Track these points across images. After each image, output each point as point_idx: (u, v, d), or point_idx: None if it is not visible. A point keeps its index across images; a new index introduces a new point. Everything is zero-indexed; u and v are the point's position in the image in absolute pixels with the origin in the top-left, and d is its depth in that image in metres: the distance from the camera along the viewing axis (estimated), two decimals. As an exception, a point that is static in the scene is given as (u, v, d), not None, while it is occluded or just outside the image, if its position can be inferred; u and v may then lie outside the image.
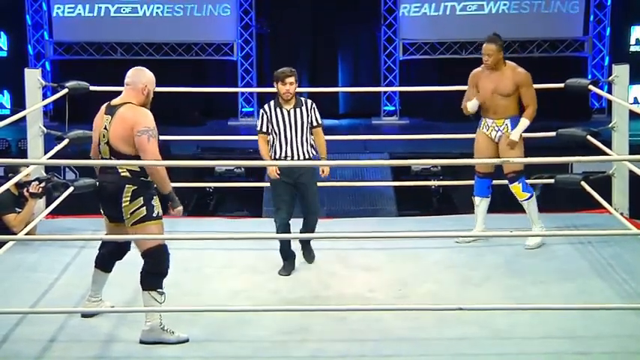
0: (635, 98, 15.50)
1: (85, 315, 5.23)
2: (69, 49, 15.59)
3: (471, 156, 6.97)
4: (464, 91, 6.84)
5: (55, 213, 7.21)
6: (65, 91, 7.31)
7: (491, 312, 5.21)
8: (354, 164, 10.48)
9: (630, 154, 7.37)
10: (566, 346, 4.91)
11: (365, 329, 5.10)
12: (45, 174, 6.70)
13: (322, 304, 5.58)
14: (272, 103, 6.27)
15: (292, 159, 6.23)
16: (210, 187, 11.76)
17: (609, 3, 15.52)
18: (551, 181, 7.27)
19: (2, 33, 15.75)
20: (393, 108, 15.87)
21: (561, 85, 7.36)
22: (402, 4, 15.51)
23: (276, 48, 15.82)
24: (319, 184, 6.73)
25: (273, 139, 6.25)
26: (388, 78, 15.74)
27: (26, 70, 7.52)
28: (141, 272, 4.97)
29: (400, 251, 6.51)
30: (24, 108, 7.22)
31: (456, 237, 6.74)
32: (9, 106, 15.61)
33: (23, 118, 7.05)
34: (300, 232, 6.33)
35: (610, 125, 7.41)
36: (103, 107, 5.05)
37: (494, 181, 6.88)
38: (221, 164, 11.31)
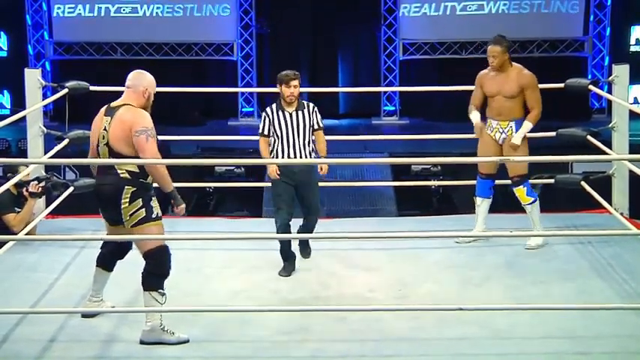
0: (635, 98, 15.50)
1: (85, 315, 5.23)
2: (69, 49, 15.60)
3: (470, 156, 6.98)
4: (464, 91, 6.84)
5: (55, 213, 7.21)
6: (65, 91, 7.31)
7: (491, 312, 5.21)
8: (353, 162, 10.47)
9: (630, 153, 7.37)
10: (566, 346, 4.91)
11: (365, 329, 5.10)
12: (44, 174, 6.70)
13: (322, 304, 5.58)
14: (274, 106, 6.28)
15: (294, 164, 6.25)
16: (210, 187, 11.76)
17: (609, 3, 15.53)
18: (551, 181, 7.27)
19: (2, 33, 15.75)
20: (393, 108, 15.87)
21: (561, 85, 7.36)
22: (402, 4, 15.52)
23: (276, 48, 15.83)
24: (320, 183, 6.73)
25: (275, 141, 6.26)
26: (388, 78, 15.74)
27: (26, 70, 7.52)
28: (142, 273, 4.97)
29: (400, 251, 6.51)
30: (24, 108, 7.22)
31: (456, 237, 6.74)
32: (9, 106, 15.62)
33: (23, 118, 7.05)
34: (299, 232, 6.33)
35: (610, 125, 7.41)
36: (103, 109, 5.06)
37: (496, 181, 6.87)
38: (221, 164, 11.32)
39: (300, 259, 6.37)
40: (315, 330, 5.11)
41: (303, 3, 15.76)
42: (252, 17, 15.61)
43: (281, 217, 6.18)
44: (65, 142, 7.18)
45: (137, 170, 4.92)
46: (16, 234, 6.43)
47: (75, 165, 10.47)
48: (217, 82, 15.33)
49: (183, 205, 5.08)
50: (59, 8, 15.38)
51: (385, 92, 15.66)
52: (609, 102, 11.41)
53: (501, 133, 6.64)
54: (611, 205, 7.08)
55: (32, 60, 15.50)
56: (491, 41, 6.61)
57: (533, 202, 6.65)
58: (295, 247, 6.34)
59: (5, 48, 15.81)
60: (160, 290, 4.95)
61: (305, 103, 6.32)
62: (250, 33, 15.68)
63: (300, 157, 6.23)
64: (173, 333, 4.94)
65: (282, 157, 6.22)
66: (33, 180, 6.55)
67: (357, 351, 4.88)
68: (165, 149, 11.86)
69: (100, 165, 5.00)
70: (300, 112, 6.24)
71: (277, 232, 6.19)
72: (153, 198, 4.99)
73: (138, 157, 4.89)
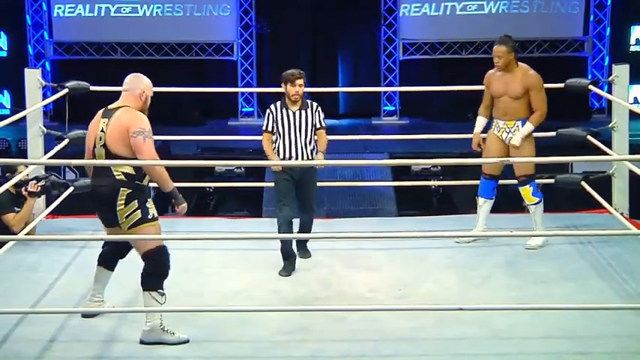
0: (635, 98, 15.50)
1: (85, 315, 5.23)
2: (69, 49, 15.60)
3: (470, 156, 6.97)
4: (464, 91, 6.84)
5: (55, 213, 7.21)
6: (65, 91, 7.31)
7: (491, 312, 5.21)
8: (354, 164, 10.49)
9: (630, 154, 7.36)
10: (566, 346, 4.91)
11: (365, 329, 5.10)
12: (44, 173, 6.70)
13: (322, 304, 5.58)
14: (278, 103, 6.33)
15: (295, 160, 6.27)
16: (210, 187, 11.76)
17: (609, 3, 15.53)
18: (551, 181, 7.27)
19: (2, 33, 15.76)
20: (393, 108, 15.87)
21: (561, 85, 7.35)
22: (402, 4, 15.52)
23: (276, 48, 15.83)
24: (320, 183, 6.76)
25: (277, 139, 6.31)
26: (388, 78, 15.74)
27: (26, 70, 7.52)
28: (142, 273, 4.97)
29: (400, 251, 6.51)
30: (24, 108, 7.22)
31: (456, 237, 6.73)
32: (9, 106, 15.62)
33: (23, 118, 7.05)
34: (299, 228, 6.39)
35: (610, 125, 7.40)
36: (100, 112, 5.08)
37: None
38: (221, 164, 11.31)
39: (300, 259, 6.37)
40: (315, 330, 5.11)
41: (303, 3, 15.76)
42: (252, 17, 15.61)
43: (283, 213, 6.22)
44: (65, 142, 7.19)
45: (133, 172, 4.92)
46: (15, 234, 6.43)
47: (75, 165, 10.46)
48: (217, 82, 15.33)
49: (185, 204, 5.08)
50: (59, 8, 15.39)
51: (385, 92, 15.66)
52: (609, 102, 11.41)
53: (508, 133, 6.63)
54: (611, 205, 7.08)
55: (32, 60, 15.50)
56: (497, 41, 6.59)
57: (537, 202, 6.64)
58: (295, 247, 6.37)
59: (5, 48, 15.81)
60: (159, 290, 4.95)
61: (309, 102, 6.36)
62: (250, 33, 15.68)
63: (302, 155, 6.27)
64: (173, 333, 4.94)
65: (284, 154, 6.27)
66: (32, 180, 6.55)
67: (357, 351, 4.88)
68: (165, 149, 11.94)
69: (96, 167, 5.00)
70: (303, 111, 6.29)
71: (279, 229, 6.23)
72: (149, 200, 5.00)
73: (135, 159, 4.90)
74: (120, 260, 5.24)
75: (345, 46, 16.24)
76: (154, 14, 15.52)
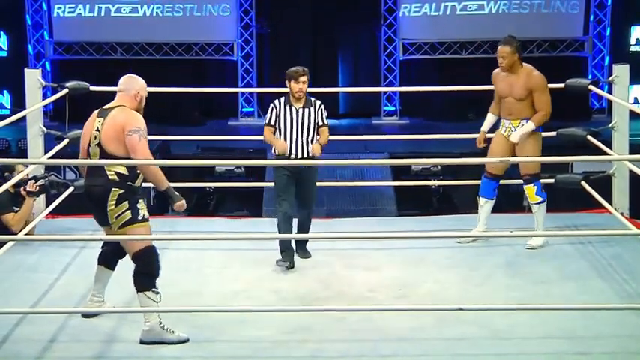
0: (635, 98, 15.51)
1: (85, 315, 5.23)
2: (69, 49, 15.60)
3: (471, 156, 6.97)
4: (464, 92, 6.84)
5: (55, 213, 7.21)
6: (65, 91, 7.32)
7: (491, 312, 5.20)
8: (354, 164, 10.49)
9: (630, 154, 7.37)
10: (566, 346, 4.91)
11: (365, 329, 5.10)
12: (42, 173, 6.70)
13: (322, 304, 5.58)
14: (282, 99, 6.38)
15: (296, 157, 6.32)
16: (210, 187, 11.76)
17: (609, 3, 15.53)
18: (551, 181, 7.27)
19: (2, 33, 15.76)
20: (393, 108, 15.88)
21: (561, 85, 7.35)
22: (403, 4, 15.53)
23: (276, 48, 15.83)
24: (319, 183, 6.77)
25: (279, 134, 6.35)
26: (388, 78, 15.75)
27: (26, 70, 7.53)
28: (133, 275, 4.98)
29: (400, 251, 6.51)
30: (24, 108, 7.22)
31: (456, 237, 6.73)
32: (9, 106, 15.62)
33: (23, 118, 7.06)
34: (297, 228, 6.43)
35: (610, 125, 7.40)
36: (95, 112, 5.10)
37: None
38: (221, 164, 11.31)
39: (300, 259, 6.38)
40: (315, 330, 5.11)
41: (303, 3, 15.76)
42: (253, 17, 15.61)
43: (282, 208, 6.29)
44: (65, 142, 7.19)
45: (126, 173, 4.93)
46: (15, 234, 6.43)
47: (74, 165, 10.47)
48: (217, 82, 15.34)
49: (182, 202, 5.06)
50: (59, 8, 15.39)
51: (385, 92, 15.66)
52: (609, 102, 11.41)
53: (513, 132, 6.62)
54: (611, 205, 7.08)
55: (32, 60, 15.51)
56: (501, 42, 6.57)
57: (540, 202, 6.63)
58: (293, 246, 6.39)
59: (5, 48, 15.81)
60: (153, 289, 4.95)
61: (312, 100, 6.42)
62: (250, 33, 15.68)
63: (303, 152, 6.32)
64: (173, 331, 4.94)
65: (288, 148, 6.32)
66: (30, 179, 6.55)
67: (357, 351, 4.88)
68: (165, 149, 11.95)
69: (90, 166, 5.00)
70: (306, 109, 6.35)
71: (278, 224, 6.29)
72: (140, 201, 5.01)
73: (129, 158, 4.90)
74: (120, 260, 5.24)
75: (345, 46, 16.24)
76: (154, 14, 15.52)
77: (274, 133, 6.39)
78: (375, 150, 12.28)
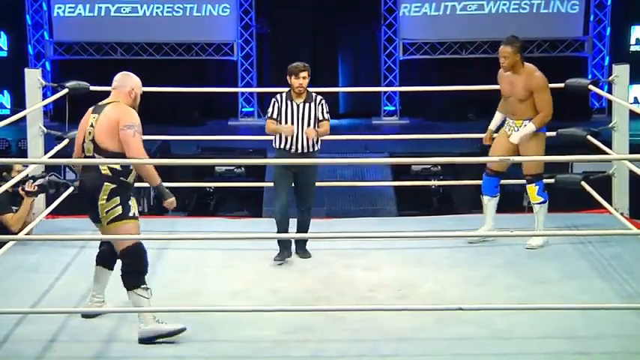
0: (635, 98, 15.50)
1: (85, 315, 5.23)
2: (69, 49, 15.60)
3: (470, 155, 6.97)
4: (464, 91, 6.83)
5: (55, 213, 7.21)
6: (65, 91, 7.31)
7: (491, 312, 5.20)
8: (354, 162, 10.49)
9: (630, 153, 7.36)
10: (566, 346, 4.91)
11: (365, 329, 5.10)
12: (41, 172, 6.70)
13: (322, 304, 5.58)
14: (284, 94, 6.44)
15: (296, 151, 6.37)
16: (210, 187, 11.76)
17: (609, 3, 15.53)
18: (552, 181, 7.26)
19: (2, 33, 15.76)
20: (393, 108, 15.88)
21: (561, 85, 7.34)
22: (403, 4, 15.53)
23: (276, 48, 15.83)
24: (319, 183, 6.77)
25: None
26: (388, 78, 15.75)
27: (26, 70, 7.52)
28: (121, 275, 4.98)
29: (400, 251, 6.51)
30: (24, 108, 7.22)
31: (456, 237, 6.72)
32: (9, 106, 15.62)
33: (23, 118, 7.05)
34: (296, 228, 6.47)
35: (610, 125, 7.40)
36: (90, 108, 5.13)
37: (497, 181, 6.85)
38: (221, 163, 11.32)
39: (300, 259, 6.38)
40: (315, 330, 5.11)
41: (303, 3, 15.75)
42: (253, 17, 15.61)
43: (280, 201, 6.37)
44: (65, 142, 7.18)
45: (119, 168, 4.94)
46: (14, 234, 6.43)
47: (74, 165, 10.46)
48: (217, 82, 15.34)
49: (173, 199, 5.07)
50: (59, 8, 15.39)
51: (385, 92, 15.66)
52: (609, 102, 11.41)
53: (516, 132, 6.61)
54: (611, 205, 7.08)
55: (32, 60, 15.51)
56: (503, 42, 6.56)
57: (542, 202, 6.63)
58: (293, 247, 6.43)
59: (5, 48, 15.81)
60: (142, 286, 4.94)
61: (314, 95, 6.47)
62: (250, 33, 15.68)
63: (303, 147, 6.38)
64: (158, 320, 4.94)
65: (286, 145, 6.39)
66: (28, 179, 6.55)
67: (357, 351, 4.88)
68: (165, 149, 11.95)
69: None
70: (307, 104, 6.40)
71: (276, 215, 6.40)
72: (132, 198, 5.01)
73: (123, 152, 4.91)
74: (118, 260, 5.23)
75: (345, 46, 16.24)
76: (154, 14, 15.52)
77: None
78: (375, 150, 12.28)
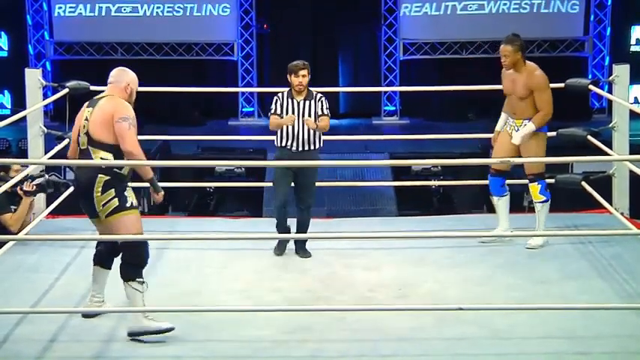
0: (636, 98, 15.51)
1: (85, 315, 5.22)
2: (69, 49, 15.61)
3: (470, 156, 6.96)
4: (464, 91, 6.83)
5: (55, 213, 7.21)
6: (66, 91, 7.31)
7: (491, 312, 5.20)
8: (354, 164, 10.50)
9: (631, 154, 7.37)
10: (566, 346, 4.90)
11: (365, 329, 5.10)
12: (39, 172, 6.70)
13: (322, 303, 5.58)
14: (285, 92, 6.53)
15: (297, 149, 6.43)
16: (210, 187, 11.76)
17: (609, 3, 15.53)
18: (552, 181, 7.26)
19: (3, 33, 15.76)
20: (394, 108, 15.88)
21: (561, 85, 7.34)
22: (403, 4, 15.53)
23: (276, 48, 15.83)
24: (320, 183, 6.78)
25: (281, 127, 6.47)
26: (388, 78, 15.75)
27: (27, 70, 7.52)
28: (120, 264, 4.96)
29: (400, 251, 6.51)
30: (24, 108, 7.22)
31: (456, 237, 6.72)
32: (9, 106, 15.63)
33: (24, 118, 7.06)
34: (296, 227, 6.52)
35: (610, 125, 7.40)
36: (86, 103, 5.14)
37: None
38: (221, 164, 11.31)
39: (300, 259, 6.39)
40: (315, 330, 5.11)
41: (303, 3, 15.76)
42: (253, 17, 15.61)
43: (279, 198, 6.48)
44: (65, 141, 7.17)
45: (112, 159, 4.93)
46: (13, 234, 6.43)
47: (74, 165, 10.46)
48: (218, 82, 15.35)
49: (162, 193, 5.13)
50: (60, 8, 15.40)
51: (385, 92, 15.67)
52: (609, 102, 11.41)
53: (516, 132, 6.61)
54: (611, 205, 7.08)
55: (33, 60, 15.51)
56: (504, 40, 6.57)
57: (544, 201, 6.62)
58: (292, 246, 6.48)
59: (6, 48, 15.82)
60: (138, 279, 4.94)
61: (314, 92, 6.54)
62: (251, 33, 15.68)
63: (304, 144, 6.44)
64: (149, 317, 4.93)
65: (287, 143, 6.45)
66: (26, 179, 6.55)
67: (357, 351, 4.88)
68: (165, 149, 11.95)
69: (80, 155, 5.00)
70: (307, 101, 6.47)
71: (275, 211, 6.55)
72: (127, 189, 4.99)
73: (117, 145, 4.91)
74: (116, 259, 5.22)
75: (345, 46, 16.24)
76: (155, 14, 15.53)
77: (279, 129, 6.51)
78: (375, 150, 12.29)
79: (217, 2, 15.53)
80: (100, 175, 4.91)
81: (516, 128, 6.60)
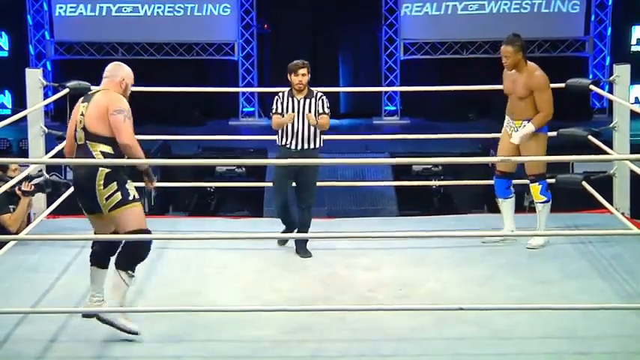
0: (636, 98, 15.50)
1: (86, 315, 5.22)
2: (70, 49, 15.61)
3: (471, 156, 6.96)
4: (464, 91, 6.83)
5: (55, 213, 7.21)
6: (66, 90, 7.31)
7: (491, 312, 5.20)
8: (354, 163, 10.50)
9: (631, 153, 7.36)
10: (566, 346, 4.90)
11: (365, 329, 5.10)
12: (37, 172, 6.70)
13: (322, 304, 5.58)
14: (286, 91, 6.59)
15: (296, 147, 6.48)
16: (210, 187, 11.77)
17: (610, 2, 15.53)
18: (552, 180, 7.26)
19: (3, 33, 15.77)
20: (394, 108, 15.88)
21: (562, 84, 7.34)
22: (404, 4, 15.53)
23: (276, 48, 15.84)
24: (320, 183, 6.79)
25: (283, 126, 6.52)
26: (389, 78, 15.74)
27: (27, 70, 7.53)
28: (119, 251, 4.94)
29: (401, 251, 6.51)
30: (25, 108, 7.23)
31: (457, 237, 6.72)
32: (10, 106, 15.63)
33: (24, 118, 7.06)
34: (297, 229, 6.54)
35: (611, 125, 7.40)
36: (81, 99, 5.13)
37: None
38: (222, 163, 11.32)
39: (300, 259, 6.39)
40: (315, 330, 5.11)
41: (303, 3, 15.76)
42: (253, 17, 15.62)
43: (278, 198, 6.58)
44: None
45: (111, 152, 4.93)
46: (12, 234, 6.43)
47: (74, 164, 10.46)
48: (218, 82, 15.34)
49: (155, 181, 5.18)
50: (61, 8, 15.40)
51: (386, 92, 15.67)
52: (610, 102, 11.40)
53: (516, 132, 6.61)
54: (612, 205, 7.08)
55: (33, 60, 15.51)
56: (504, 41, 6.57)
57: (545, 201, 6.62)
58: (293, 245, 6.50)
59: (6, 48, 15.82)
60: (129, 272, 4.93)
61: (315, 91, 6.60)
62: (251, 33, 15.68)
63: (303, 144, 6.48)
64: (128, 319, 4.92)
65: (287, 142, 6.51)
66: (24, 179, 6.55)
67: (357, 351, 4.88)
68: (166, 149, 11.95)
69: (77, 151, 5.00)
70: (307, 100, 6.52)
71: (277, 210, 6.67)
72: (128, 181, 4.99)
73: (113, 138, 4.90)
74: (112, 257, 5.20)
75: (346, 46, 16.24)
76: (155, 14, 15.53)
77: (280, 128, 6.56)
78: (376, 150, 12.29)
79: (218, 2, 15.53)
80: (101, 168, 4.91)
81: (516, 129, 6.60)
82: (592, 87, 7.41)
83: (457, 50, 15.60)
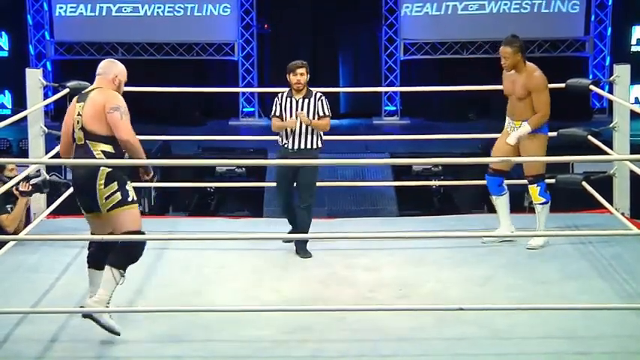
0: (636, 98, 15.51)
1: (85, 315, 5.21)
2: (70, 49, 15.61)
3: (471, 156, 6.96)
4: (464, 92, 6.83)
5: (55, 213, 7.21)
6: (66, 90, 7.31)
7: (491, 312, 5.20)
8: (355, 163, 10.50)
9: (631, 154, 7.36)
10: (566, 346, 4.90)
11: (365, 329, 5.10)
12: (35, 172, 6.70)
13: (322, 304, 5.58)
14: (285, 92, 6.62)
15: (294, 147, 6.50)
16: (210, 187, 11.77)
17: (610, 3, 15.53)
18: (552, 181, 7.26)
19: (3, 33, 15.77)
20: (394, 108, 15.88)
21: (562, 85, 7.34)
22: (404, 4, 15.53)
23: (276, 48, 15.84)
24: (320, 183, 6.79)
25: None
26: (389, 78, 15.75)
27: (27, 70, 7.53)
28: (114, 250, 4.93)
29: (401, 251, 6.51)
30: (25, 108, 7.23)
31: (457, 237, 6.71)
32: (10, 106, 15.63)
33: (24, 118, 7.06)
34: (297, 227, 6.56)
35: (611, 125, 7.40)
36: (75, 98, 5.12)
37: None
38: (222, 163, 11.31)
39: (300, 259, 6.39)
40: (315, 330, 5.10)
41: (303, 3, 15.76)
42: (254, 17, 15.62)
43: (280, 198, 6.66)
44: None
45: (112, 151, 4.93)
46: (9, 234, 6.43)
47: (73, 165, 10.46)
48: (218, 82, 15.35)
49: (152, 174, 5.17)
50: (61, 8, 15.40)
51: (386, 92, 15.67)
52: (610, 102, 11.40)
53: (513, 133, 6.60)
54: (612, 205, 7.08)
55: (33, 60, 15.51)
56: (503, 42, 6.56)
57: (544, 202, 6.61)
58: (293, 246, 6.50)
59: (6, 48, 15.82)
60: (121, 271, 4.92)
61: (314, 91, 6.62)
62: (251, 33, 15.68)
63: (301, 144, 6.50)
64: (111, 317, 4.91)
65: (286, 142, 6.54)
66: (22, 179, 6.55)
67: (357, 351, 4.88)
68: (166, 149, 11.95)
69: (76, 150, 5.00)
70: (306, 100, 6.54)
71: (279, 210, 6.73)
72: (128, 182, 4.99)
73: (112, 136, 4.90)
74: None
75: (346, 46, 16.24)
76: (155, 14, 15.53)
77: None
78: (376, 150, 12.29)
79: (218, 2, 15.53)
80: (102, 168, 4.91)
81: (515, 129, 6.60)
82: (592, 87, 7.40)
83: (457, 50, 15.60)
